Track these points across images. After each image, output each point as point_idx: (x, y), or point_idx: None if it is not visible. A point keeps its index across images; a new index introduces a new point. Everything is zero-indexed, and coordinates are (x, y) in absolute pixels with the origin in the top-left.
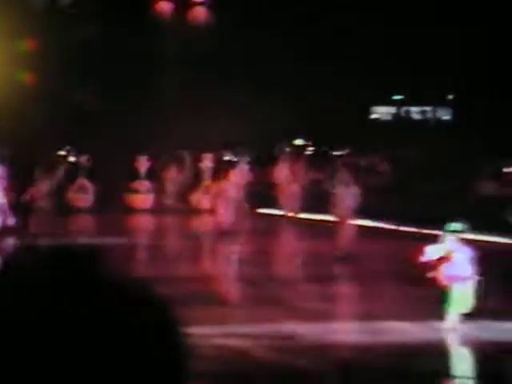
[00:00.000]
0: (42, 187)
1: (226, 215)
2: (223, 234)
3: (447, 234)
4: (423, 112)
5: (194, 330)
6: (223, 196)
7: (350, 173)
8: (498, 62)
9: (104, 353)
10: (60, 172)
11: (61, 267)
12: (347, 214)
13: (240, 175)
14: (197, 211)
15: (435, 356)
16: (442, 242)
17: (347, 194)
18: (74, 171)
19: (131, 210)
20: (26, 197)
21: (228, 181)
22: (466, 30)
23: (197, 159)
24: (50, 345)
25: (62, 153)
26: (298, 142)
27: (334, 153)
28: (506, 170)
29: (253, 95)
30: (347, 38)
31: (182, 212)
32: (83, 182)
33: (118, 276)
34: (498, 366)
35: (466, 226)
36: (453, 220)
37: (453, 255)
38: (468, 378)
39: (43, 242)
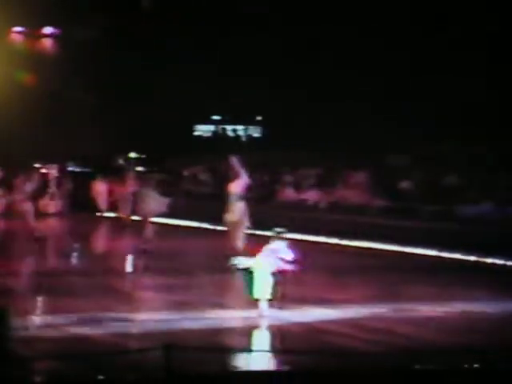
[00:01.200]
0: None
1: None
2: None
3: (272, 235)
4: (235, 130)
5: (41, 319)
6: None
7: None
8: (293, 89)
9: None
10: None
11: None
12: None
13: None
14: (43, 214)
15: (246, 335)
16: (269, 242)
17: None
18: None
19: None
20: None
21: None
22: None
23: (44, 169)
24: None
25: None
26: (132, 154)
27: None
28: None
29: (94, 115)
30: (177, 71)
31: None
32: None
33: None
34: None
35: (285, 230)
36: (276, 226)
37: (275, 253)
38: (271, 351)
39: None
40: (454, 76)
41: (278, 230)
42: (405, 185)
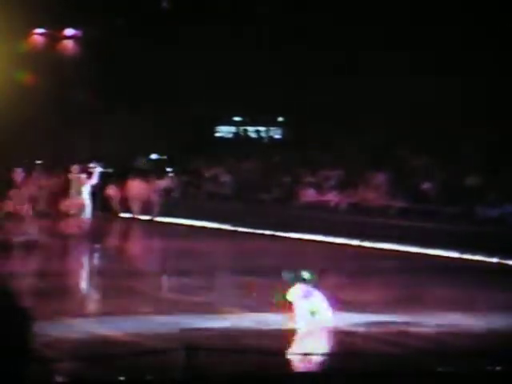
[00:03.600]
0: None
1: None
2: (89, 235)
3: (299, 282)
4: (257, 131)
5: (62, 320)
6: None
7: None
8: (316, 91)
9: None
10: None
11: None
12: None
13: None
14: (66, 215)
15: (269, 337)
16: (293, 288)
17: None
18: None
19: (8, 215)
20: None
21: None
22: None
23: (66, 170)
24: None
25: None
26: (154, 156)
27: None
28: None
29: (116, 116)
30: (195, 70)
31: (51, 216)
32: None
33: None
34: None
35: (313, 276)
36: (303, 270)
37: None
38: (294, 353)
39: None
40: (476, 76)
41: (306, 275)
42: (426, 186)
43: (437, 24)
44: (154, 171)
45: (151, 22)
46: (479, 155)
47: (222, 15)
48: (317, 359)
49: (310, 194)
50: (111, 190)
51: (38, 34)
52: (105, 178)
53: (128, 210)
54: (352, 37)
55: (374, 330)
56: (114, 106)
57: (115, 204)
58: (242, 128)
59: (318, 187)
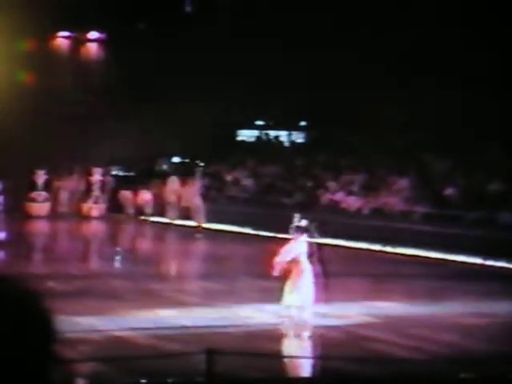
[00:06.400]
0: None
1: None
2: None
3: (296, 230)
4: (278, 136)
5: (83, 321)
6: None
7: None
8: (339, 98)
9: None
10: None
11: None
12: None
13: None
14: (87, 218)
15: (288, 341)
16: (294, 240)
17: None
18: None
19: (30, 217)
20: None
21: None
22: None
23: (88, 173)
24: None
25: None
26: (176, 159)
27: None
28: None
29: (138, 119)
30: (217, 73)
31: (73, 218)
32: None
33: None
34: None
35: (311, 224)
36: (301, 218)
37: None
38: (312, 357)
39: None
40: (501, 81)
41: (302, 222)
42: (449, 191)
43: (460, 24)
44: (176, 174)
45: (173, 25)
46: (503, 160)
47: (245, 17)
48: (336, 364)
49: (331, 199)
50: (131, 194)
51: (63, 37)
52: (125, 181)
53: (151, 213)
54: (377, 41)
55: (392, 334)
56: (135, 109)
57: (137, 207)
58: (264, 132)
59: (341, 191)
